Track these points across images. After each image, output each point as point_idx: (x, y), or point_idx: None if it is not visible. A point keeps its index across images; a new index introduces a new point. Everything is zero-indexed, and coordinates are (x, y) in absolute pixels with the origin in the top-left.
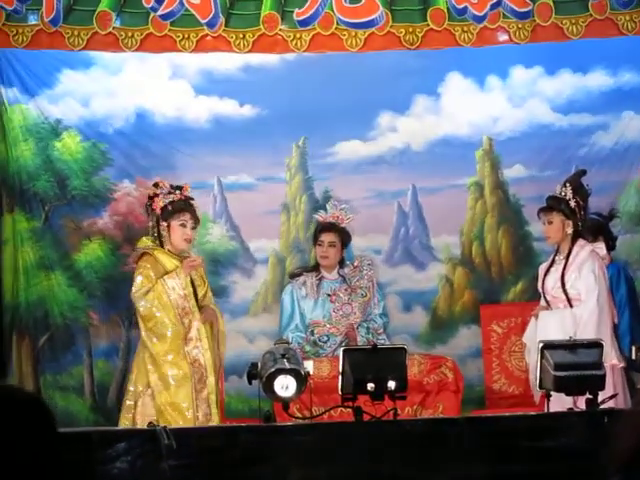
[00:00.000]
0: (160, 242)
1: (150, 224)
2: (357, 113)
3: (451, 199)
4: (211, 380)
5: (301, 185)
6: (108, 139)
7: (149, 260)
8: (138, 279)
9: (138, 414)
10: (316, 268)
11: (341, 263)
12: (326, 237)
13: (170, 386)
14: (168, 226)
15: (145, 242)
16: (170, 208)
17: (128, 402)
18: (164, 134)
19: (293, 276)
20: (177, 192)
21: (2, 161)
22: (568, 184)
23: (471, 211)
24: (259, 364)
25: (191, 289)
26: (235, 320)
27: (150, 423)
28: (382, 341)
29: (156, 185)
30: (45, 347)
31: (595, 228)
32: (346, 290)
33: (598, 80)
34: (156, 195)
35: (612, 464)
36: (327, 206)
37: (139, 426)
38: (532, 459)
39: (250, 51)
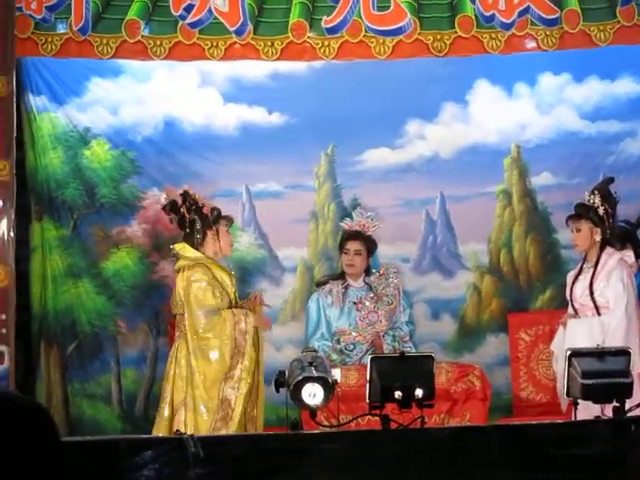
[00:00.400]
0: (200, 246)
1: (196, 228)
2: (385, 121)
3: (479, 207)
4: (235, 416)
5: (329, 193)
6: (137, 147)
7: (207, 272)
8: (197, 288)
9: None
10: (342, 276)
11: (367, 271)
12: (352, 245)
13: (197, 409)
14: (217, 231)
15: (186, 249)
16: (216, 213)
17: (165, 408)
18: (192, 142)
19: (319, 284)
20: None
21: (31, 169)
22: (596, 192)
23: (499, 219)
24: (287, 372)
25: (252, 332)
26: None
27: (177, 431)
28: (408, 349)
29: (188, 195)
30: (73, 355)
31: (623, 236)
32: (372, 298)
33: (626, 87)
34: (197, 201)
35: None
36: (353, 214)
37: None
38: (559, 467)
39: (278, 59)
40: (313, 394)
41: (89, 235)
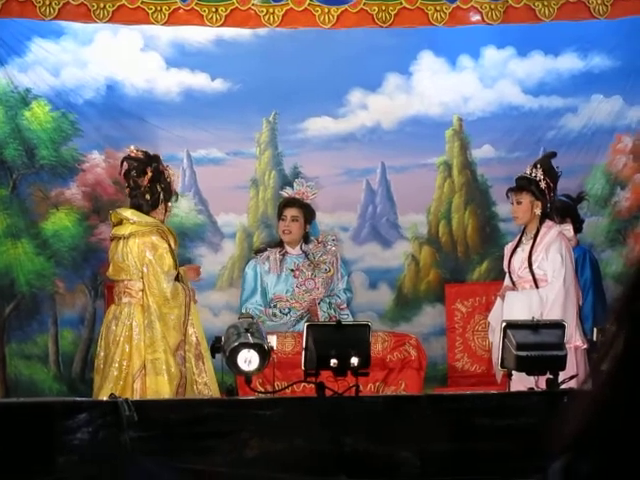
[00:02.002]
0: (146, 213)
1: (148, 196)
2: (328, 90)
3: (419, 178)
4: (191, 383)
5: (270, 160)
6: (78, 110)
7: (165, 239)
8: (163, 254)
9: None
10: (280, 244)
11: (306, 239)
12: (289, 212)
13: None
14: (165, 200)
15: (138, 214)
16: (167, 180)
17: (115, 373)
18: (134, 106)
19: (258, 252)
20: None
21: None
22: (539, 165)
23: (439, 190)
24: (223, 338)
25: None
26: (201, 294)
27: (112, 395)
28: (345, 317)
29: (157, 159)
30: (11, 316)
31: (563, 210)
32: (309, 265)
33: (569, 63)
34: (165, 167)
35: (556, 447)
36: (294, 183)
37: None
38: (492, 437)
39: (222, 25)
40: (249, 360)
41: (28, 195)
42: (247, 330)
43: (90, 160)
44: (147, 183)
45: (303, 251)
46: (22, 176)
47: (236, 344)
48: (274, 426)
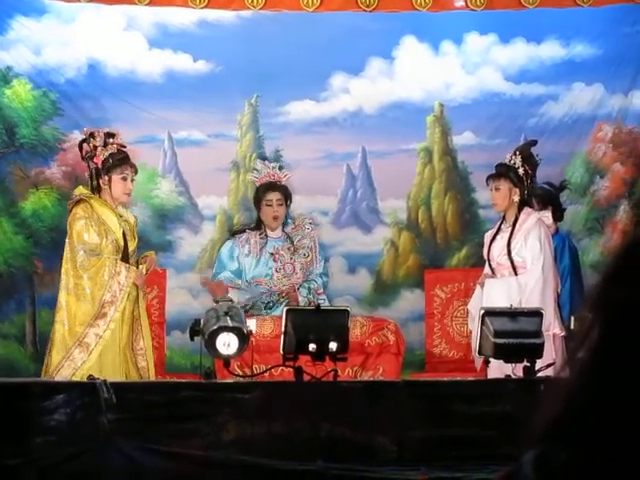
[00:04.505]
0: (98, 194)
1: (87, 174)
2: (310, 73)
3: (400, 163)
4: (91, 360)
5: (252, 143)
6: (59, 89)
7: (87, 209)
8: (79, 224)
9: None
10: (258, 226)
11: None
12: (274, 196)
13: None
14: (109, 180)
15: (81, 190)
16: (111, 161)
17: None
18: (116, 86)
19: (235, 233)
20: (110, 140)
21: None
22: (518, 152)
23: (419, 176)
24: (202, 321)
25: (134, 293)
26: (180, 275)
27: (90, 376)
28: (322, 301)
29: (92, 135)
30: None
31: (546, 197)
32: (289, 249)
33: (551, 50)
34: (95, 147)
35: (531, 436)
36: (256, 167)
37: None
38: (468, 424)
39: (206, 7)
40: (227, 344)
41: (8, 174)
42: (226, 313)
43: (71, 140)
44: (82, 160)
45: (285, 233)
46: (2, 155)
47: (215, 327)
48: (252, 410)
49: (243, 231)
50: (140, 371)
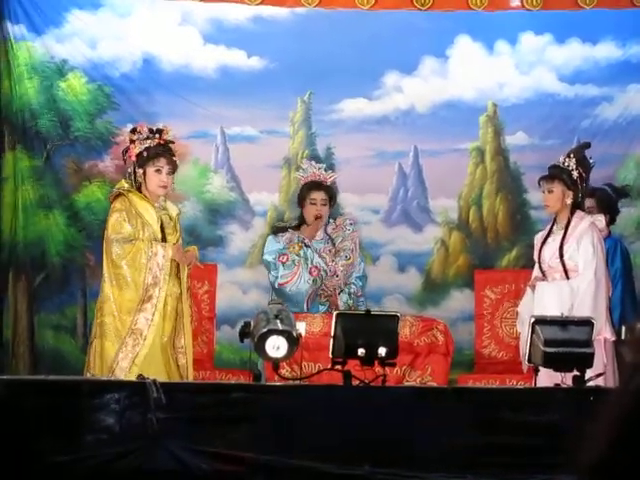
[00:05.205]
0: (138, 189)
1: (128, 170)
2: (364, 71)
3: (452, 163)
4: (147, 346)
5: (304, 140)
6: (114, 83)
7: (124, 202)
8: (113, 218)
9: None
10: (299, 227)
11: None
12: (318, 195)
13: (107, 336)
14: (144, 173)
15: (122, 184)
16: (145, 154)
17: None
18: (170, 81)
19: (277, 231)
20: (155, 136)
21: (6, 98)
22: (572, 155)
23: (471, 176)
24: (252, 323)
25: (171, 266)
26: (230, 271)
27: (140, 375)
28: (361, 303)
29: (134, 130)
30: (41, 286)
31: (605, 202)
32: (330, 251)
33: (606, 51)
34: (132, 142)
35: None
36: (303, 166)
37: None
38: (516, 432)
39: (261, 3)
40: (277, 347)
41: (61, 167)
42: (276, 316)
43: (124, 133)
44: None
45: (327, 234)
46: (56, 147)
47: (265, 330)
48: (299, 413)
49: (285, 229)
50: (180, 369)
